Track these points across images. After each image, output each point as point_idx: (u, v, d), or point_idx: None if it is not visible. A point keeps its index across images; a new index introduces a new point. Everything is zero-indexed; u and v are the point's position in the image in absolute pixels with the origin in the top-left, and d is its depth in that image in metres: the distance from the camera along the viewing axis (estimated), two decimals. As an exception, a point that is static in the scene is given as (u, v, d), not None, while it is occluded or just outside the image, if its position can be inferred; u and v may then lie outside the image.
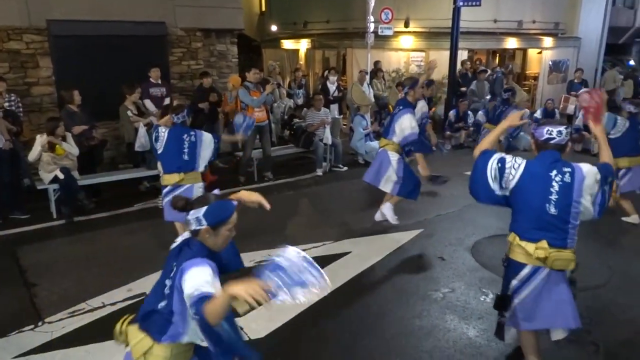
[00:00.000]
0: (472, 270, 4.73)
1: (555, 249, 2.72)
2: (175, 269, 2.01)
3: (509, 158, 2.88)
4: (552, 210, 2.73)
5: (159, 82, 7.80)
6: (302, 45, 16.78)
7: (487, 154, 2.95)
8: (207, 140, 4.87)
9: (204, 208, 2.03)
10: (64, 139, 6.09)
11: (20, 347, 3.46)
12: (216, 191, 2.23)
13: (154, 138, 4.83)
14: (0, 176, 5.99)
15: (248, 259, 4.85)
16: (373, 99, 9.83)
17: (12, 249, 5.19)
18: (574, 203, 2.71)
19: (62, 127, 6.07)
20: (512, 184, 2.83)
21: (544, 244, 2.73)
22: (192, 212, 2.05)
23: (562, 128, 2.83)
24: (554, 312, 2.82)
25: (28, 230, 5.75)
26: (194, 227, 2.05)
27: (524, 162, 2.85)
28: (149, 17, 8.41)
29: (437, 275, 4.67)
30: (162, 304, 2.04)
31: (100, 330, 3.66)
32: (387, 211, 5.63)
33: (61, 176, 5.95)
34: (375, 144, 8.69)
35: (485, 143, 3.07)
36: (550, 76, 15.97)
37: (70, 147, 6.15)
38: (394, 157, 5.38)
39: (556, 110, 10.79)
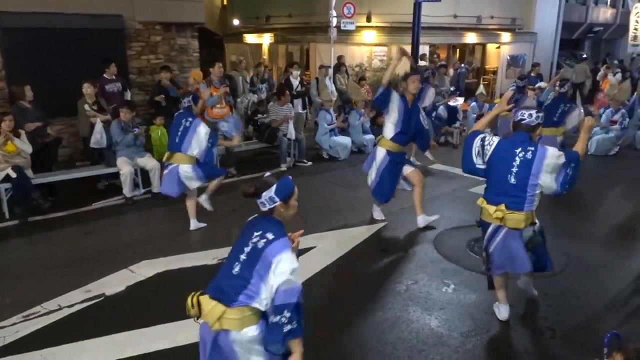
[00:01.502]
0: (434, 261, 4.81)
1: (510, 212, 3.36)
2: (257, 235, 2.26)
3: (487, 137, 3.54)
4: (512, 180, 3.36)
5: (114, 77, 7.57)
6: (265, 40, 16.66)
7: (475, 133, 3.63)
8: (200, 132, 5.24)
9: (273, 187, 2.30)
10: (16, 135, 5.84)
11: (-32, 355, 3.31)
12: (267, 173, 2.43)
13: None
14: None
15: (211, 256, 4.81)
16: (336, 94, 9.85)
17: (-39, 252, 4.96)
18: (531, 176, 3.31)
19: (12, 123, 5.81)
20: (487, 158, 3.48)
21: (502, 207, 3.38)
22: (263, 194, 2.31)
23: (533, 112, 3.43)
24: (511, 260, 3.49)
25: (-22, 232, 5.50)
26: (268, 206, 2.33)
27: (498, 140, 3.51)
28: (105, 10, 8.15)
29: (400, 267, 4.74)
30: (237, 269, 2.26)
31: (56, 334, 3.56)
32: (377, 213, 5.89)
33: (13, 175, 5.71)
34: (339, 139, 8.74)
35: (479, 124, 3.82)
36: (509, 70, 16.42)
37: (23, 144, 5.90)
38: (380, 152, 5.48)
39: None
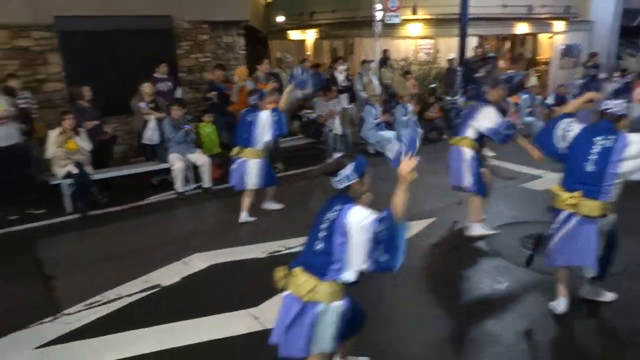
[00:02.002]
0: (486, 258, 4.70)
1: (586, 199, 3.31)
2: (331, 211, 2.45)
3: (572, 123, 3.53)
4: (590, 168, 3.32)
5: (165, 76, 7.79)
6: (309, 36, 16.70)
7: (563, 117, 3.67)
8: (262, 119, 5.45)
9: (350, 165, 2.47)
10: (76, 133, 6.14)
11: (40, 339, 3.51)
12: (337, 155, 2.60)
13: None
14: (15, 173, 6.07)
15: (260, 250, 4.89)
16: (380, 89, 9.75)
17: (29, 243, 5.26)
18: (611, 165, 3.23)
19: (73, 121, 6.11)
20: (568, 143, 3.48)
21: (578, 194, 3.34)
22: (339, 173, 2.47)
23: (619, 102, 3.39)
24: (578, 251, 3.40)
25: (44, 224, 5.82)
26: (344, 184, 2.49)
27: (580, 126, 3.48)
28: (155, 11, 8.41)
29: (451, 264, 4.66)
30: (319, 246, 2.46)
31: (116, 322, 3.73)
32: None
33: (75, 171, 6.00)
34: (386, 133, 8.66)
35: (570, 107, 3.88)
36: (562, 61, 15.75)
37: (83, 142, 6.20)
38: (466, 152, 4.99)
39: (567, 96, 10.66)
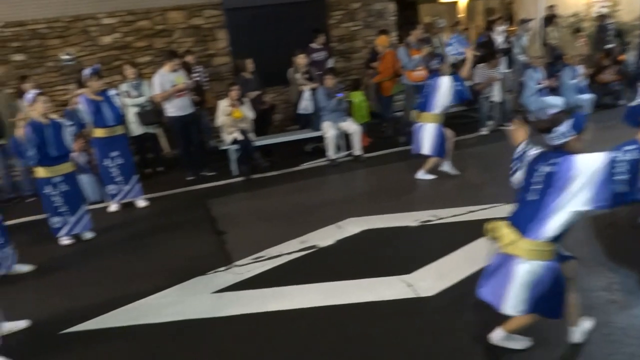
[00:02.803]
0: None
1: None
2: (547, 164, 2.49)
3: None
4: None
5: (321, 46, 8.01)
6: (462, -3, 15.70)
7: None
8: (442, 84, 5.56)
9: (568, 122, 2.49)
10: (241, 103, 6.69)
11: (216, 285, 3.98)
12: (554, 110, 2.72)
13: None
14: (190, 139, 6.86)
15: (412, 218, 4.86)
16: (544, 50, 8.81)
17: (204, 201, 5.95)
18: None
19: (239, 92, 6.65)
20: None
21: None
22: (555, 130, 2.51)
23: None
24: None
25: (215, 185, 6.53)
26: (560, 141, 2.51)
27: None
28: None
29: (630, 244, 4.12)
30: (531, 198, 2.54)
31: (278, 276, 4.04)
32: None
33: (240, 138, 6.58)
34: (550, 99, 7.85)
35: None
36: None
37: (247, 111, 6.73)
38: None
39: None
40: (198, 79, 7.46)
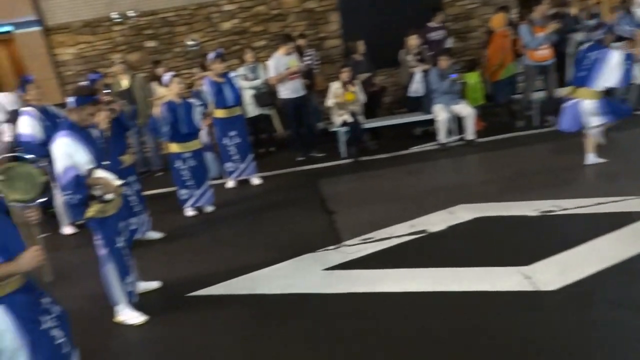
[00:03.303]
0: None
1: None
2: None
3: None
4: None
5: (439, 25, 7.73)
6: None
7: None
8: (613, 60, 4.94)
9: None
10: (352, 86, 6.72)
11: (326, 262, 4.09)
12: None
13: None
14: (301, 121, 7.06)
15: (531, 207, 4.56)
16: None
17: (314, 181, 6.11)
18: None
19: (350, 74, 6.68)
20: None
21: None
22: None
23: None
24: None
25: (324, 166, 6.68)
26: None
27: None
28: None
29: None
30: None
31: (388, 258, 4.03)
32: None
33: (350, 120, 6.63)
34: None
35: None
36: None
37: (358, 93, 6.75)
38: None
39: None
40: (309, 62, 7.62)
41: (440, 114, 6.62)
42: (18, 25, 8.04)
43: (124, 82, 7.13)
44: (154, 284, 4.06)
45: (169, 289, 4.02)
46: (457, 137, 6.88)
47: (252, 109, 7.26)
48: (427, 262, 3.89)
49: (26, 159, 2.69)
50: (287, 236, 4.70)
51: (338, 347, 3.07)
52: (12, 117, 5.53)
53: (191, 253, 4.64)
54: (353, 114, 6.69)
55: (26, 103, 5.16)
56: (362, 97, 6.81)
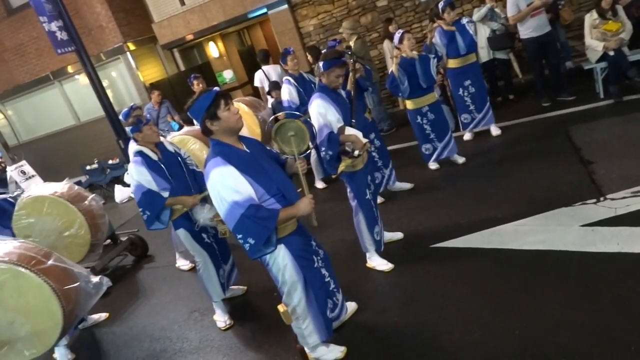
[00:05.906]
0: None
1: None
2: None
3: None
4: None
5: None
6: None
7: None
8: None
9: None
10: (614, 13, 5.64)
11: (584, 218, 3.63)
12: None
13: None
14: (547, 61, 6.29)
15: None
16: None
17: (564, 128, 5.42)
18: None
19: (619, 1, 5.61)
20: None
21: None
22: None
23: None
24: None
25: (575, 111, 5.85)
26: None
27: None
28: None
29: None
30: None
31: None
32: None
33: (611, 53, 5.61)
34: None
35: None
36: None
37: (624, 20, 5.63)
38: None
39: None
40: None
41: None
42: (270, 6, 9.18)
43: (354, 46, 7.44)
44: (399, 235, 4.27)
45: (412, 239, 4.18)
46: None
47: (485, 54, 6.79)
48: None
49: (295, 115, 3.08)
50: (535, 189, 4.33)
51: (608, 310, 2.73)
52: (273, 86, 6.42)
53: (434, 205, 4.69)
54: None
55: (286, 72, 5.94)
56: (629, 25, 5.64)
